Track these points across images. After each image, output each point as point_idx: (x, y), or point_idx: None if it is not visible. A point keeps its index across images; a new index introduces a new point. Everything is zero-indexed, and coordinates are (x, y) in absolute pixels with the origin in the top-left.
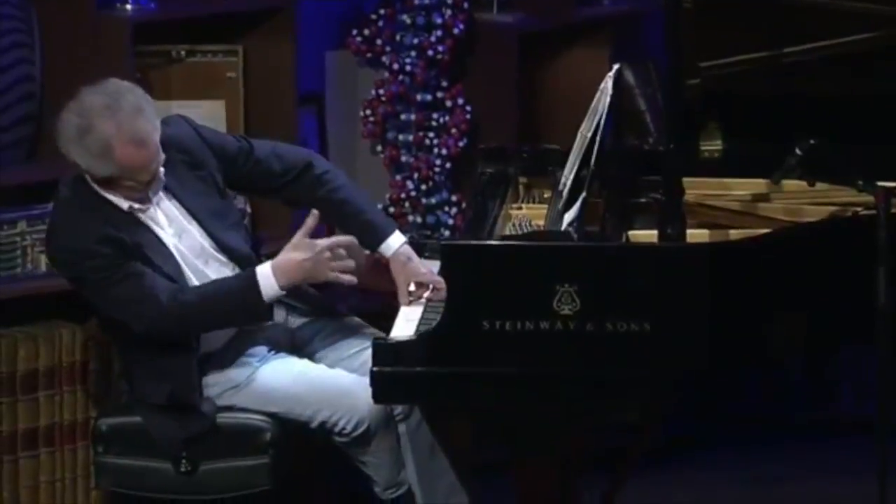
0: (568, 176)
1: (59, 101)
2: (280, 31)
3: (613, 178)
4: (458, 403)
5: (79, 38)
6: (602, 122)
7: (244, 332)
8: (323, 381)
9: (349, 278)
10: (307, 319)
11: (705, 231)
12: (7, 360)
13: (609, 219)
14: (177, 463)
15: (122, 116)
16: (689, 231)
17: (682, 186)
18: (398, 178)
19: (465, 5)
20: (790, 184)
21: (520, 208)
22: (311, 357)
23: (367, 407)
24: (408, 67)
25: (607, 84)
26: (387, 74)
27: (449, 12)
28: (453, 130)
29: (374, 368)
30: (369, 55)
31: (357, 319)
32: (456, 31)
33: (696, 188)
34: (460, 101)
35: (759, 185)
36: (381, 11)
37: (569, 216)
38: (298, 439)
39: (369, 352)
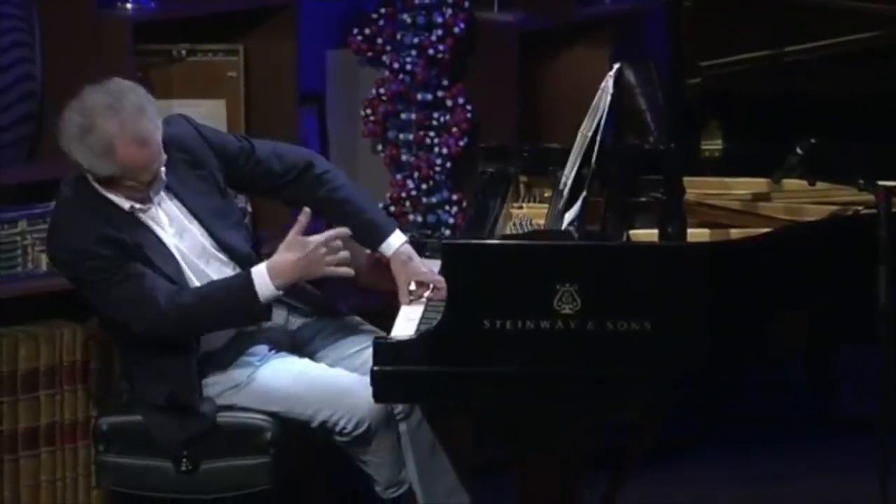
0: (568, 175)
1: (59, 100)
2: (281, 30)
3: (614, 178)
4: (458, 403)
5: (79, 37)
6: (603, 121)
7: (245, 332)
8: (323, 381)
9: (346, 270)
10: (308, 319)
11: (706, 230)
12: (8, 360)
13: (610, 218)
14: (177, 462)
15: (124, 116)
16: (689, 230)
17: (682, 185)
18: (399, 177)
19: (466, 4)
20: (791, 183)
21: (520, 207)
22: (311, 356)
23: (368, 406)
24: (408, 66)
25: (608, 83)
26: (387, 73)
27: (449, 11)
28: (454, 129)
29: (375, 368)
30: (370, 54)
31: (357, 319)
32: (456, 30)
33: (696, 187)
34: (461, 101)
35: (759, 184)
36: (382, 10)
37: (569, 215)
38: (299, 439)
39: (370, 351)
